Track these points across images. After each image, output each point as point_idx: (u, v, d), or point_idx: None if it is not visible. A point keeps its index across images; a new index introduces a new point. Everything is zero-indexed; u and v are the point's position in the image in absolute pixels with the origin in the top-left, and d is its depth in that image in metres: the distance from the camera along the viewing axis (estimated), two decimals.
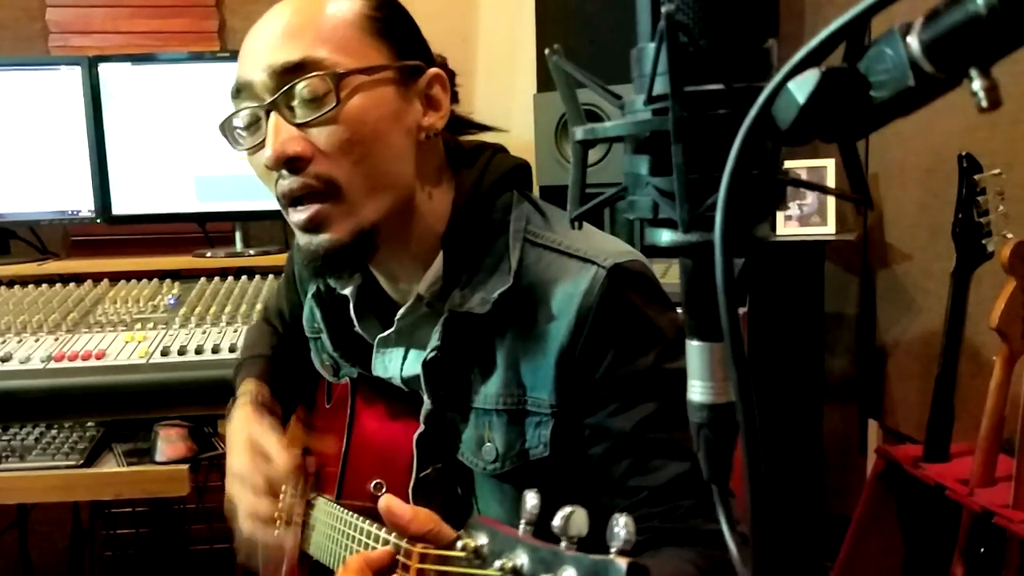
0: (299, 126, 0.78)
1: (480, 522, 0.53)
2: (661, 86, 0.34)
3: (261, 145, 0.79)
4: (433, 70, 0.85)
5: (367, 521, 0.81)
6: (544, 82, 2.27)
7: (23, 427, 1.43)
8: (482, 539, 0.52)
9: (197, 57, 1.90)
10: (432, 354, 0.85)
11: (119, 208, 1.92)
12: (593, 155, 2.10)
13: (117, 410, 1.48)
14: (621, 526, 0.44)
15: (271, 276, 1.81)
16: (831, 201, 2.24)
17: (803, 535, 2.28)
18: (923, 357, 2.11)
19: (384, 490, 0.88)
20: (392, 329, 0.90)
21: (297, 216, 0.80)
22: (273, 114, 0.77)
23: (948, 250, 1.70)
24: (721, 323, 0.32)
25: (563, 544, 0.47)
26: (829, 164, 2.24)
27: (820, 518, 2.35)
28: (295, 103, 0.78)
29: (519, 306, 0.83)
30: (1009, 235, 1.59)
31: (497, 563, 0.49)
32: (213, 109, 1.88)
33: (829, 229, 2.24)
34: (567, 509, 0.48)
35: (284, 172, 0.78)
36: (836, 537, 1.93)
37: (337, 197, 0.79)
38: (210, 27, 2.24)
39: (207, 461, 1.41)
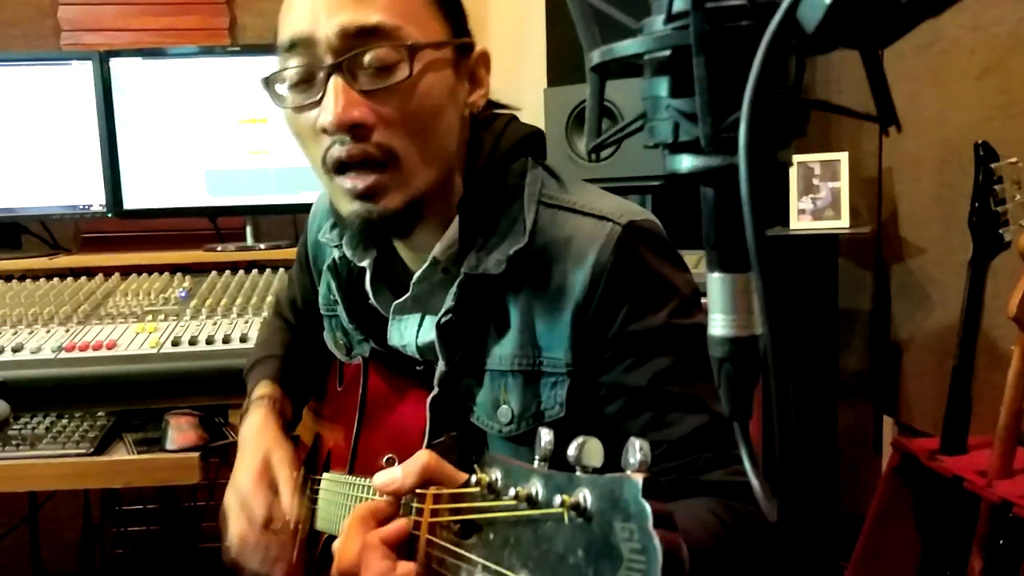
0: (365, 93, 0.76)
1: (494, 457, 0.52)
2: (681, 3, 0.33)
3: (312, 106, 0.78)
4: (480, 48, 0.86)
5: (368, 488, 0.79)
6: (555, 77, 2.26)
7: (34, 416, 1.42)
8: (496, 474, 0.51)
9: (208, 51, 1.90)
10: (447, 317, 0.84)
11: (130, 203, 1.92)
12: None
13: (128, 400, 1.47)
14: (636, 448, 0.43)
15: (282, 270, 1.81)
16: (844, 195, 2.22)
17: (817, 533, 2.25)
18: (938, 352, 2.09)
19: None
20: (408, 294, 0.89)
21: (351, 183, 0.78)
22: (336, 76, 0.76)
23: (963, 243, 1.68)
24: (743, 251, 0.31)
25: (578, 472, 0.46)
26: (843, 157, 2.23)
27: (834, 515, 2.33)
28: (361, 68, 0.76)
29: (534, 266, 0.83)
30: None
31: (511, 491, 0.48)
32: (224, 104, 1.88)
33: (843, 223, 2.22)
34: (581, 438, 0.46)
35: (343, 138, 0.76)
36: (849, 535, 1.91)
37: (394, 167, 0.78)
38: (221, 24, 2.25)
39: (218, 450, 1.40)
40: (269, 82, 0.81)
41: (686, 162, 0.35)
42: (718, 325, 0.38)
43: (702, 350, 0.82)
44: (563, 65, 2.29)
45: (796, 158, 2.30)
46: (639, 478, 0.41)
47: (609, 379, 0.82)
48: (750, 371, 0.38)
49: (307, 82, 0.78)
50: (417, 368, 0.93)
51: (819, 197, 2.26)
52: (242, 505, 0.92)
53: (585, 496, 0.43)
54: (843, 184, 2.23)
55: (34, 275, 1.83)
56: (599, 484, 0.43)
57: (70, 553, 2.35)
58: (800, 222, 2.26)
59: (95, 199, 1.92)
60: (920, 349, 2.25)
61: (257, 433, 1.00)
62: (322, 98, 0.76)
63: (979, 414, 1.68)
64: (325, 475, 0.96)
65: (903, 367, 2.31)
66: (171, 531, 2.43)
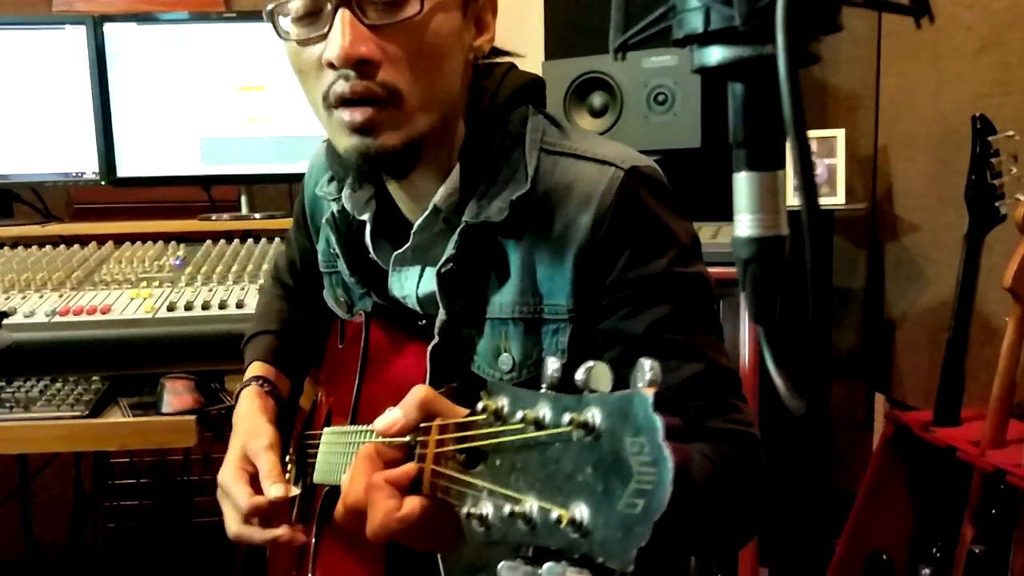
0: (374, 28, 0.75)
1: (500, 386, 0.52)
2: None
3: (317, 39, 0.77)
4: None
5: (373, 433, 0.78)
6: (552, 50, 2.25)
7: (27, 380, 1.41)
8: (502, 401, 0.51)
9: (203, 17, 1.88)
10: (447, 266, 0.84)
11: (124, 170, 1.90)
12: (603, 123, 2.09)
13: (122, 365, 1.46)
14: (647, 368, 0.42)
15: (277, 239, 1.80)
16: (840, 171, 2.22)
17: (808, 509, 2.27)
18: (931, 328, 2.10)
19: None
20: (408, 244, 0.89)
21: (350, 116, 0.77)
22: (344, 9, 0.74)
23: (958, 219, 1.69)
24: (771, 148, 0.31)
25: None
26: (840, 133, 2.23)
27: (825, 492, 2.34)
28: (370, 2, 0.75)
29: (536, 212, 0.83)
30: (1022, 198, 1.57)
31: (519, 414, 0.48)
32: (220, 70, 1.86)
33: (839, 199, 2.22)
34: (589, 363, 0.46)
35: (348, 73, 0.75)
36: (840, 511, 1.92)
37: (396, 106, 0.77)
38: None
39: (215, 415, 1.40)
40: (273, 14, 0.79)
41: (716, 54, 0.34)
42: (744, 225, 0.38)
43: (701, 299, 0.83)
44: (561, 38, 2.28)
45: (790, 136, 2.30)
46: (650, 392, 0.41)
47: (607, 326, 0.82)
48: (775, 273, 0.38)
49: (313, 15, 0.77)
50: (419, 323, 0.93)
51: (815, 173, 2.26)
52: (226, 500, 0.93)
53: (594, 414, 0.43)
54: (839, 160, 2.23)
55: (26, 243, 1.82)
56: (608, 401, 0.43)
57: (62, 527, 2.35)
58: (795, 198, 2.26)
59: (88, 167, 1.91)
60: (913, 326, 2.26)
61: (239, 422, 1.00)
62: (328, 31, 0.75)
63: (971, 389, 1.69)
64: (325, 429, 0.96)
65: (896, 343, 2.32)
66: (164, 505, 2.42)
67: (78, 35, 1.85)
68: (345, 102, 0.77)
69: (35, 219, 1.99)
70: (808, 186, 0.33)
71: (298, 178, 1.91)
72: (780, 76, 0.30)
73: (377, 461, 0.63)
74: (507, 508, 0.47)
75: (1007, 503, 1.48)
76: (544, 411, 0.47)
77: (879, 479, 1.77)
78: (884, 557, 1.69)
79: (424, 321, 0.92)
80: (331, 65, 0.76)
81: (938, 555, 1.57)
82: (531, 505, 0.46)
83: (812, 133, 2.25)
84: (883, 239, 2.37)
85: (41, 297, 1.55)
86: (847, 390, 2.51)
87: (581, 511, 0.42)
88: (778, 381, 0.37)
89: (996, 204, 1.58)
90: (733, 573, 1.74)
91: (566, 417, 0.44)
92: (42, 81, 1.88)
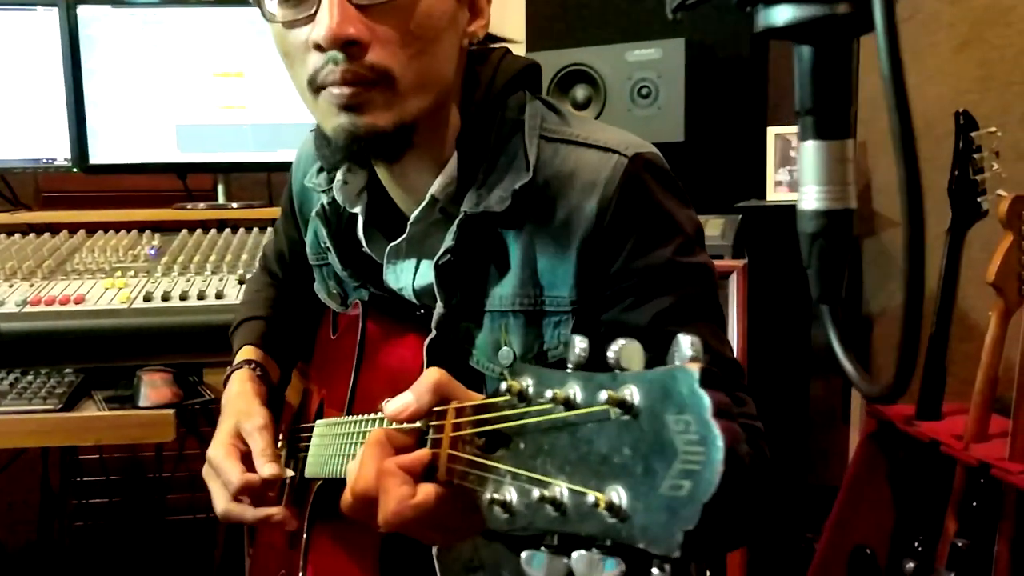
0: (362, 8, 0.72)
1: (524, 366, 0.49)
2: None
3: (304, 21, 0.74)
4: None
5: (378, 421, 0.76)
6: (533, 41, 2.23)
7: None
8: (527, 381, 0.48)
9: (181, 1, 1.83)
10: (446, 257, 0.82)
11: (97, 157, 1.85)
12: (586, 116, 2.07)
13: (97, 357, 1.41)
14: (688, 344, 0.40)
15: (256, 230, 1.76)
16: None
17: (785, 505, 2.27)
18: None
19: None
20: (404, 236, 0.86)
21: (340, 90, 0.74)
22: None
23: (937, 216, 1.70)
24: (841, 114, 0.29)
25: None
26: None
27: (802, 488, 2.35)
28: None
29: (536, 201, 0.81)
30: (1003, 193, 1.58)
31: (547, 394, 0.45)
32: (198, 55, 1.82)
33: None
34: (622, 340, 0.44)
35: (336, 56, 0.73)
36: (817, 507, 1.92)
37: (387, 87, 0.75)
38: None
39: (193, 409, 1.36)
40: None
41: (784, 14, 0.33)
42: (811, 198, 0.36)
43: (705, 289, 0.81)
44: (542, 30, 2.26)
45: (773, 130, 2.30)
46: (695, 367, 0.39)
47: (609, 317, 0.80)
48: (843, 248, 0.36)
49: None
50: (417, 313, 0.90)
51: (796, 169, 2.26)
52: (215, 477, 0.89)
53: (632, 391, 0.41)
54: None
55: None
56: (648, 379, 0.41)
57: (28, 525, 2.28)
58: (777, 193, 2.27)
59: (59, 152, 1.85)
60: (891, 322, 2.27)
61: (231, 403, 0.97)
62: (315, 12, 0.73)
63: (950, 384, 1.70)
64: (318, 422, 0.93)
65: (874, 339, 2.33)
66: (135, 503, 2.37)
67: (50, 17, 1.80)
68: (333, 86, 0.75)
69: (2, 207, 1.93)
70: (908, 156, 0.31)
71: (277, 167, 1.90)
72: (877, 26, 0.29)
73: (388, 447, 0.60)
74: (535, 492, 0.45)
75: (991, 497, 1.49)
76: (574, 390, 0.45)
77: (861, 474, 1.78)
78: (868, 551, 1.70)
79: (423, 311, 0.90)
80: (318, 47, 0.73)
81: (920, 549, 1.57)
82: (561, 489, 0.44)
83: (793, 128, 2.26)
84: (861, 235, 2.39)
85: (11, 286, 1.50)
86: (824, 385, 2.52)
87: (619, 494, 0.40)
88: (847, 366, 0.35)
89: (978, 200, 1.59)
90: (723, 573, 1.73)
91: (602, 395, 0.42)
92: (12, 64, 1.82)
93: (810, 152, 0.36)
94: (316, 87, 0.76)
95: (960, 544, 1.48)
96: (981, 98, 1.88)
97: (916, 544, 1.58)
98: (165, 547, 2.31)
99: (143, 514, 2.36)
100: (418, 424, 0.59)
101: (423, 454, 0.58)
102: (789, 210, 2.09)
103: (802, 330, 2.35)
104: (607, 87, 2.17)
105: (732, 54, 2.28)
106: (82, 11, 1.80)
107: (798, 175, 0.37)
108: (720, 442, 0.37)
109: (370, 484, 0.59)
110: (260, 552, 1.12)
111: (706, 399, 0.38)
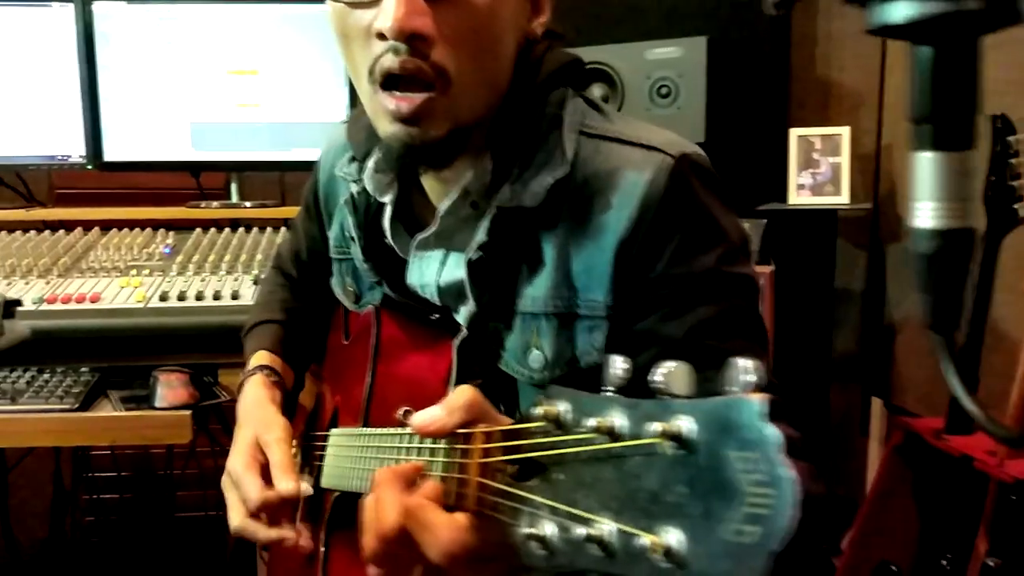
0: (431, 1, 0.69)
1: (560, 389, 0.46)
2: None
3: (369, 4, 0.71)
4: None
5: (397, 437, 0.73)
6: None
7: (13, 370, 1.34)
8: (564, 406, 0.45)
9: None
10: (478, 254, 0.78)
11: (111, 154, 1.82)
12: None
13: (113, 356, 1.40)
14: (750, 368, 0.37)
15: (269, 230, 1.73)
16: (845, 170, 2.19)
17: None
18: None
19: None
20: (434, 228, 0.83)
21: (395, 104, 0.72)
22: None
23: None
24: (963, 124, 0.25)
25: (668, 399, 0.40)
26: (844, 131, 2.19)
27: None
28: None
29: (573, 199, 0.77)
30: None
31: (589, 422, 0.42)
32: (213, 53, 1.79)
33: (843, 199, 2.19)
34: (670, 363, 0.41)
35: (399, 46, 0.70)
36: (834, 519, 1.88)
37: (444, 90, 0.72)
38: None
39: (209, 410, 1.34)
40: None
41: (903, 10, 0.29)
42: (925, 215, 0.33)
43: (748, 303, 0.77)
44: (559, 27, 2.22)
45: (795, 132, 2.26)
46: (760, 399, 0.35)
47: (644, 326, 0.75)
48: (961, 272, 0.32)
49: None
50: (432, 317, 0.87)
51: (819, 172, 2.22)
52: (234, 489, 0.86)
53: (686, 423, 0.38)
54: (844, 159, 2.19)
55: (9, 227, 1.74)
56: (703, 409, 0.37)
57: (40, 520, 2.27)
58: (799, 197, 2.23)
59: (74, 150, 1.83)
60: (915, 330, 2.23)
61: (248, 412, 0.93)
62: None
63: (980, 394, 1.66)
64: (333, 431, 0.90)
65: (897, 348, 2.29)
66: (146, 499, 2.35)
67: (66, 13, 1.77)
68: (391, 80, 0.72)
69: (18, 203, 1.91)
70: None
71: (291, 166, 1.87)
72: None
73: (404, 483, 0.57)
74: (577, 530, 0.42)
75: (1022, 515, 1.45)
76: (618, 419, 0.41)
77: (886, 486, 1.74)
78: (893, 568, 1.66)
79: (438, 315, 0.86)
80: (381, 35, 0.70)
81: (949, 567, 1.53)
82: (608, 528, 0.40)
83: (816, 131, 2.23)
84: (885, 239, 2.34)
85: (27, 284, 1.48)
86: (843, 394, 2.48)
87: (676, 537, 0.37)
88: (972, 408, 0.32)
89: (1015, 207, 1.55)
90: None
91: (652, 427, 0.39)
92: (27, 60, 1.80)
93: (927, 164, 0.33)
94: (374, 78, 0.73)
95: (992, 563, 1.44)
96: (1015, 101, 1.83)
97: (944, 562, 1.54)
98: (176, 543, 2.30)
99: (154, 510, 2.35)
100: (442, 444, 0.56)
101: (447, 484, 0.55)
102: (812, 215, 2.06)
103: (823, 338, 2.31)
104: (625, 86, 2.12)
105: (755, 53, 2.24)
106: (97, 7, 1.78)
107: (914, 188, 0.34)
108: (792, 484, 0.33)
109: (397, 523, 0.55)
110: (276, 561, 1.10)
111: (775, 435, 0.34)
